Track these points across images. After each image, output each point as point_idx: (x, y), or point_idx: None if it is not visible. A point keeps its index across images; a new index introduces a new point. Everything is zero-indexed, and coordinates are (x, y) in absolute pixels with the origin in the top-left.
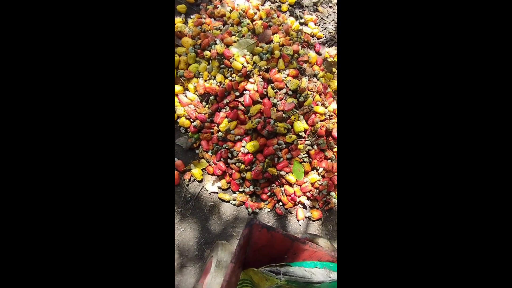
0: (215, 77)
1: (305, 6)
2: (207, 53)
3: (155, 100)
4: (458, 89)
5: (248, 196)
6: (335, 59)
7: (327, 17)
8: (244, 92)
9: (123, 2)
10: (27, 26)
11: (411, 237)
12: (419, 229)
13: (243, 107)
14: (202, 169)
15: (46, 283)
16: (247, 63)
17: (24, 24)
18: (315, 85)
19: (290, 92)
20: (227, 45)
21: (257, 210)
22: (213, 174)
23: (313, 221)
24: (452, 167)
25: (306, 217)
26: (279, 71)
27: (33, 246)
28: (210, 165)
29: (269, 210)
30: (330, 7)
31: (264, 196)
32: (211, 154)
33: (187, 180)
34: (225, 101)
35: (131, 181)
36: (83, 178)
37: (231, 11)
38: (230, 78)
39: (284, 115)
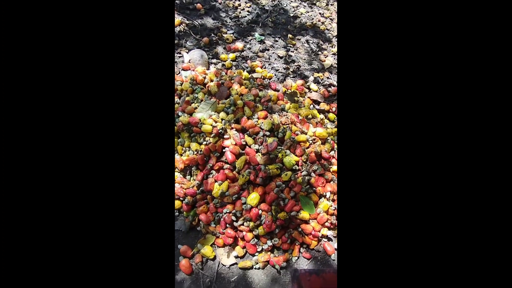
0: (189, 147)
1: (246, 56)
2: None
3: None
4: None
5: (269, 252)
6: (293, 89)
7: (269, 59)
8: (224, 150)
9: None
10: (27, 30)
11: (411, 246)
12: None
13: (228, 165)
14: (211, 245)
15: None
16: (216, 122)
17: (24, 28)
18: (287, 118)
19: (268, 133)
20: (190, 114)
21: (284, 264)
22: (224, 245)
23: None
24: (449, 179)
25: (336, 249)
26: (248, 118)
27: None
28: (217, 237)
29: (297, 258)
30: (268, 50)
31: (285, 246)
32: (214, 225)
33: (200, 263)
34: (208, 166)
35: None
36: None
37: (181, 84)
38: (204, 142)
39: (271, 156)
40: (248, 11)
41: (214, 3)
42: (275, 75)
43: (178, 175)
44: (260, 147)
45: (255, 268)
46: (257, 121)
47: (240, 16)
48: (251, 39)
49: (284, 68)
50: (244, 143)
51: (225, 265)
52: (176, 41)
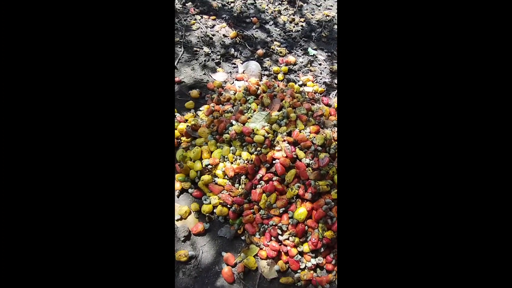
0: (240, 156)
1: (298, 70)
2: (226, 136)
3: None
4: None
5: (312, 271)
6: None
7: (320, 73)
8: (274, 161)
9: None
10: (26, 31)
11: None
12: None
13: (277, 177)
14: (254, 256)
15: None
16: (268, 133)
17: (24, 29)
18: None
19: (319, 148)
20: (243, 123)
21: (327, 286)
22: (267, 258)
23: None
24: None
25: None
26: (300, 131)
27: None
28: (261, 248)
29: None
30: (320, 64)
31: (329, 266)
32: (259, 237)
33: (242, 273)
34: (257, 176)
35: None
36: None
37: (235, 93)
38: (256, 152)
39: (321, 172)
40: (301, 25)
41: (269, 17)
42: (326, 89)
43: (227, 182)
44: (311, 161)
45: (296, 285)
46: (309, 135)
47: (293, 30)
48: (304, 54)
49: (336, 84)
50: (295, 156)
51: (266, 278)
52: (231, 52)
